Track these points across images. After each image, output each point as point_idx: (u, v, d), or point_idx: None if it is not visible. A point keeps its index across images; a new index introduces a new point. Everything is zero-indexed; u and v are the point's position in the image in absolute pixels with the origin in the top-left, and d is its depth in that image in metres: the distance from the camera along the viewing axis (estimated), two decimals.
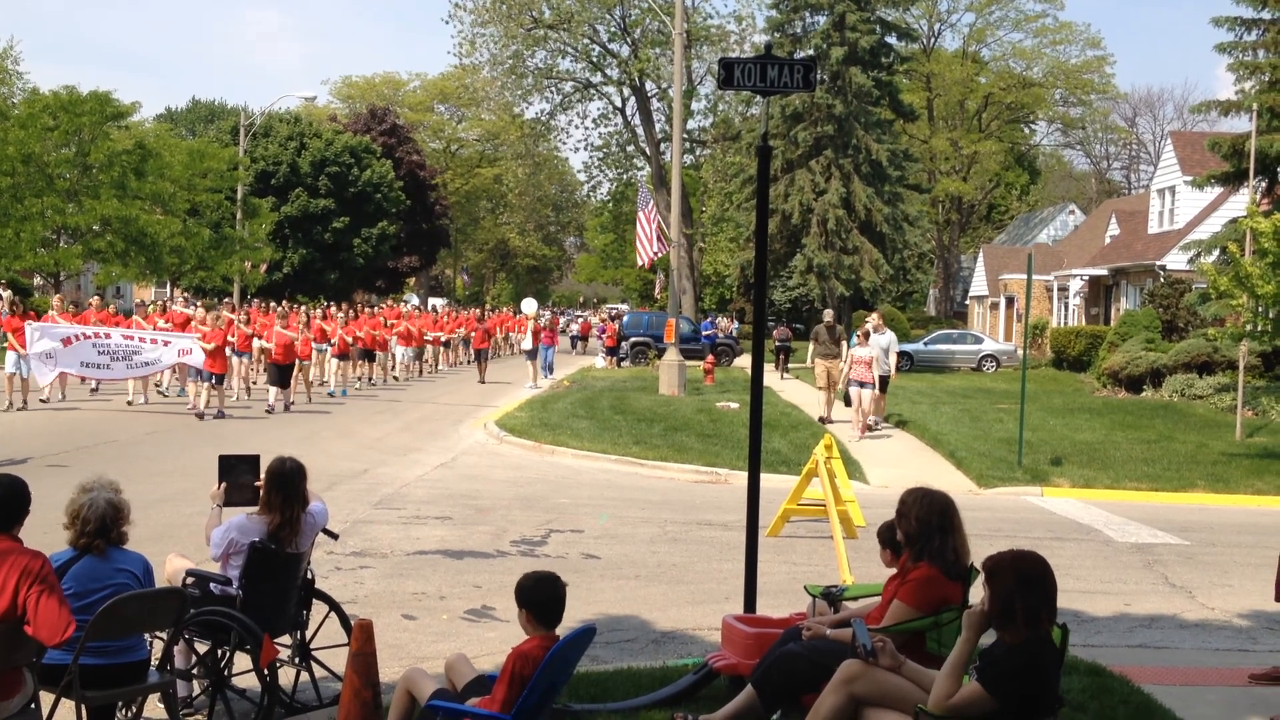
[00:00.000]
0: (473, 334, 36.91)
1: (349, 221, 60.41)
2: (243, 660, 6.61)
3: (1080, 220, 66.47)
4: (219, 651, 6.54)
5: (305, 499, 6.81)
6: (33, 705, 5.43)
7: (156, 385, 25.71)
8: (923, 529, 6.07)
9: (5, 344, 21.96)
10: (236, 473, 7.00)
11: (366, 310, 32.92)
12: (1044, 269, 50.79)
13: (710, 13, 54.24)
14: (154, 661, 6.24)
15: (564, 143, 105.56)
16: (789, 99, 39.83)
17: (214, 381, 21.57)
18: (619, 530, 12.87)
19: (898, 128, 46.18)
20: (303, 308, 32.37)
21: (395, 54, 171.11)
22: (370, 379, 31.15)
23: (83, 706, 5.73)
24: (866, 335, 21.26)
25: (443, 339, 39.31)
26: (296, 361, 24.45)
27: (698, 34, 52.40)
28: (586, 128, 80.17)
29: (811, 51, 41.25)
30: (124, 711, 6.19)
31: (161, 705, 6.39)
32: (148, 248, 37.77)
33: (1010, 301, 56.55)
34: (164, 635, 6.28)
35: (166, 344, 21.79)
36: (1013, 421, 21.03)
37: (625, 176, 61.00)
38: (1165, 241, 40.60)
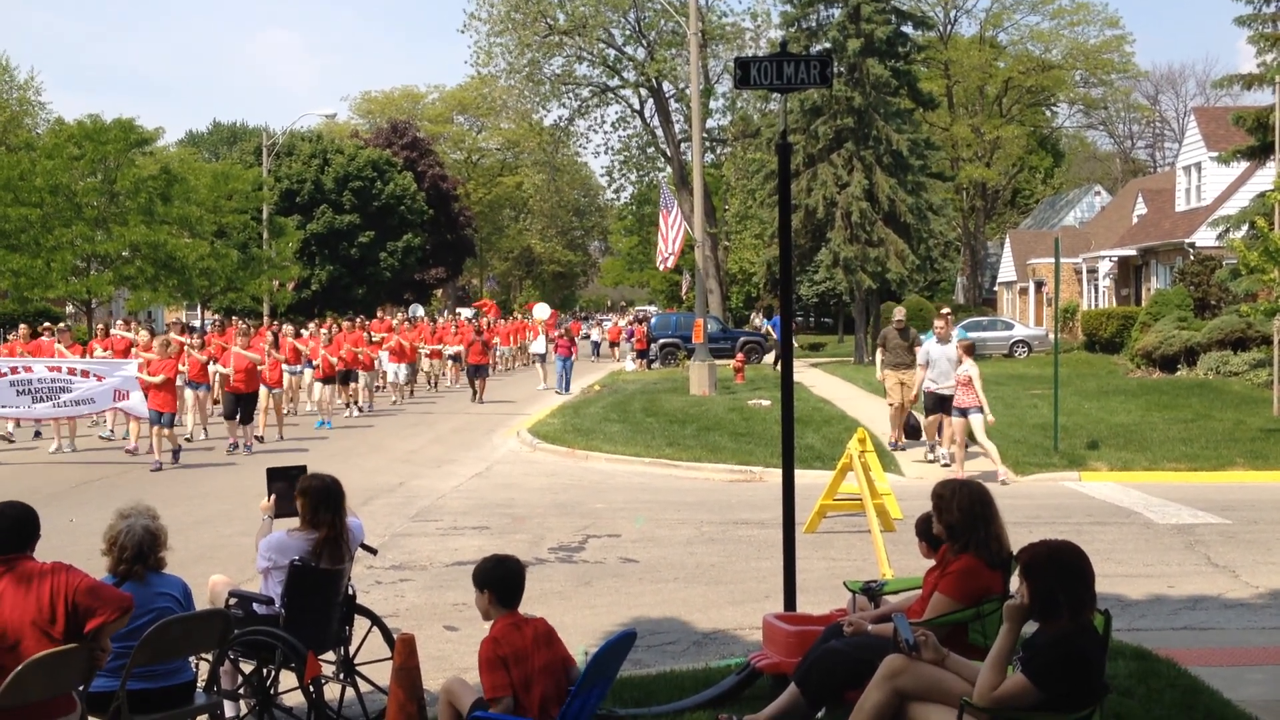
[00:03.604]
0: (468, 347, 31.14)
1: (374, 236, 60.71)
2: (289, 678, 6.66)
3: (1106, 201, 65.99)
4: (264, 670, 6.58)
5: (345, 515, 6.88)
6: None
7: (94, 425, 22.56)
8: (965, 519, 6.05)
9: None
10: (285, 484, 7.07)
11: (347, 324, 28.94)
12: (1072, 251, 50.44)
13: (725, 11, 54.45)
14: (200, 683, 6.30)
15: (584, 148, 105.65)
16: (807, 93, 39.75)
17: (163, 422, 17.79)
18: (656, 533, 12.88)
19: (918, 117, 45.88)
20: (279, 325, 29.49)
21: (412, 67, 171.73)
22: (356, 403, 26.35)
23: None
24: (970, 348, 16.61)
25: (447, 352, 35.24)
26: (264, 390, 21.16)
27: (713, 33, 52.31)
28: (606, 132, 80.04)
29: (828, 44, 41.08)
30: None
31: None
32: (177, 271, 38.06)
33: (1039, 286, 56.20)
34: (209, 656, 6.34)
35: (100, 378, 18.28)
36: (1047, 407, 20.90)
37: (647, 178, 60.98)
38: (1194, 219, 40.25)
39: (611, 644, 5.57)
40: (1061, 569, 4.95)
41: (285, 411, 24.39)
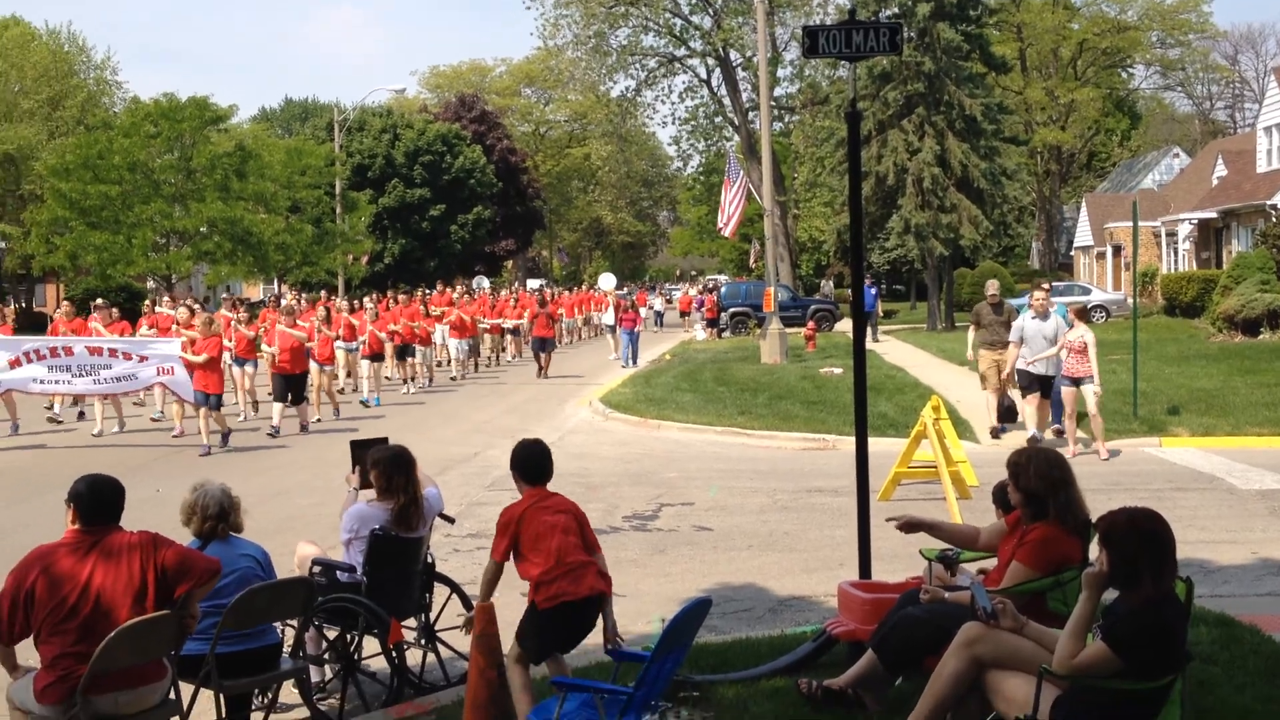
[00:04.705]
0: (534, 320, 29.73)
1: (445, 209, 61.15)
2: (372, 644, 6.80)
3: (1185, 163, 64.61)
4: (348, 636, 6.73)
5: (419, 480, 7.00)
6: (171, 696, 5.65)
7: (139, 404, 21.94)
8: (1043, 486, 6.00)
9: None
10: (368, 456, 7.18)
11: (403, 297, 27.78)
12: (1150, 215, 49.48)
13: None
14: (286, 648, 6.45)
15: (651, 118, 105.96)
16: (876, 59, 39.27)
17: (210, 404, 16.78)
18: (729, 501, 12.91)
19: (990, 81, 45.10)
20: (336, 299, 28.42)
21: (479, 40, 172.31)
22: (412, 379, 25.64)
23: (221, 696, 5.95)
24: (1083, 312, 15.81)
25: (507, 326, 34.17)
26: (314, 367, 20.18)
27: (780, 0, 51.85)
28: (673, 102, 79.79)
29: (896, 10, 40.54)
30: (260, 698, 6.41)
31: (296, 691, 6.61)
32: (254, 246, 38.69)
33: (1117, 250, 55.25)
34: (294, 623, 6.49)
35: (144, 358, 17.28)
36: (1126, 372, 20.55)
37: (715, 148, 60.74)
38: (1275, 180, 39.30)
39: (687, 611, 5.61)
40: (1141, 536, 4.89)
41: (340, 389, 23.72)
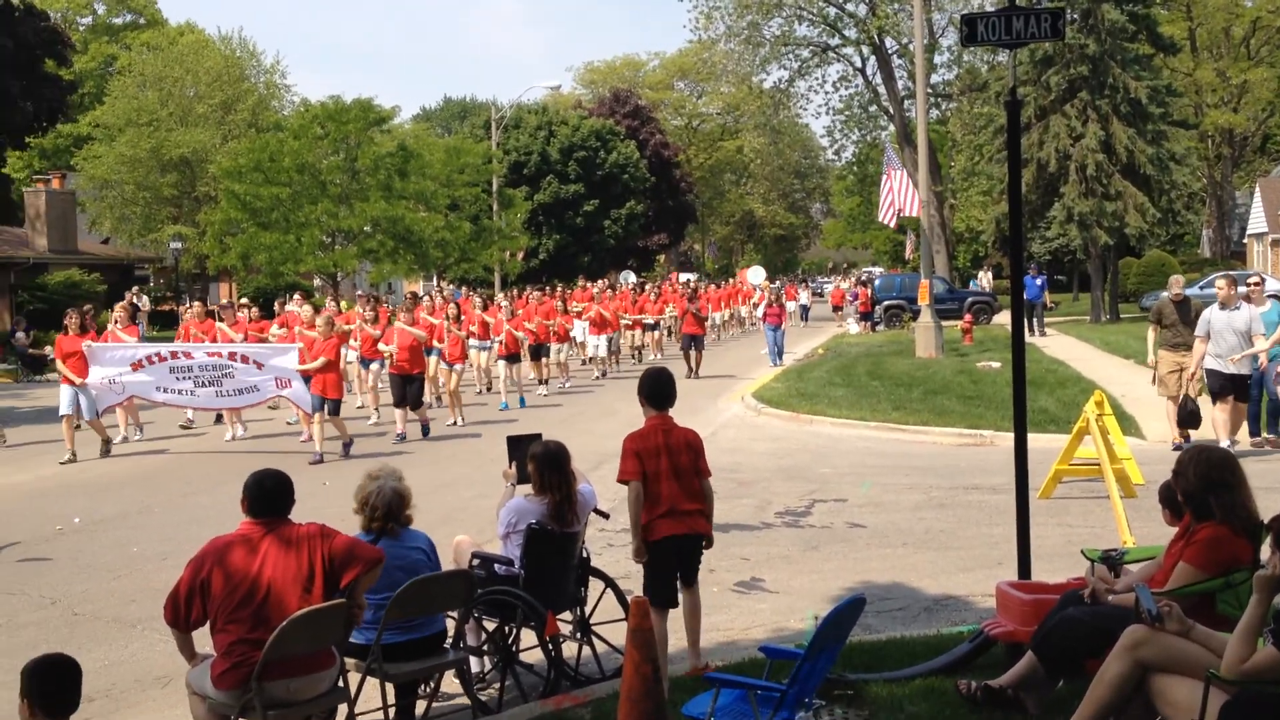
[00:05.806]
0: (680, 315, 28.54)
1: (598, 204, 61.74)
2: (529, 637, 6.95)
3: None
4: (506, 628, 6.89)
5: (574, 477, 7.12)
6: (340, 684, 5.88)
7: (274, 407, 20.56)
8: (1204, 485, 5.81)
9: (60, 376, 17.31)
10: (525, 451, 7.33)
11: (537, 294, 26.65)
12: None
13: None
14: (448, 639, 6.64)
15: (804, 109, 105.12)
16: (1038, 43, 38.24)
17: (328, 410, 16.16)
18: (883, 498, 12.78)
19: (1158, 62, 43.46)
20: (473, 295, 27.51)
21: (633, 34, 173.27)
22: (545, 380, 24.34)
23: (386, 684, 6.16)
24: None
25: (648, 321, 32.54)
26: (447, 368, 20.00)
27: None
28: (826, 92, 79.20)
29: None
30: (424, 687, 6.62)
31: (457, 680, 6.80)
32: (415, 244, 39.61)
33: None
34: (455, 615, 6.67)
35: (260, 365, 16.76)
36: None
37: (869, 137, 59.93)
38: None
39: (841, 609, 5.61)
40: None
41: (478, 390, 23.48)
